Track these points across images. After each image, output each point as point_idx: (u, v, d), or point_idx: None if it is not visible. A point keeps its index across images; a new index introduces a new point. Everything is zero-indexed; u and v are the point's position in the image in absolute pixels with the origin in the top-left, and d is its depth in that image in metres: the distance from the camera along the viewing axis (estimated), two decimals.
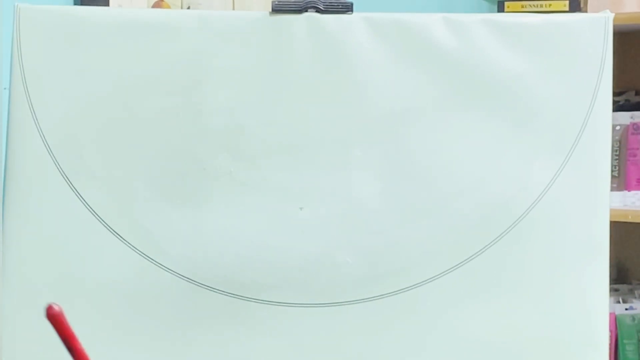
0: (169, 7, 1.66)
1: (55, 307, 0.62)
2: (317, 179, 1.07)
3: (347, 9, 1.07)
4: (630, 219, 1.69)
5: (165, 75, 1.06)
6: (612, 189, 1.72)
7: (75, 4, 1.53)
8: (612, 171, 1.65)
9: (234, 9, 1.80)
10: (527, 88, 1.07)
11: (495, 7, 1.83)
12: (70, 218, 1.05)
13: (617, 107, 1.78)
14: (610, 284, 1.13)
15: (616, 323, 1.74)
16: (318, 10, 1.07)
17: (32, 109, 1.05)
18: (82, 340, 1.08)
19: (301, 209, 1.07)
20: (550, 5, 1.72)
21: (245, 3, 1.81)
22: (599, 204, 1.07)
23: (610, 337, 1.72)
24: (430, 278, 1.07)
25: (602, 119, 1.08)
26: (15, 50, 1.06)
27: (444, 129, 1.07)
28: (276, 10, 1.07)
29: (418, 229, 1.07)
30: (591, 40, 1.07)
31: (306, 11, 1.07)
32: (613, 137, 1.45)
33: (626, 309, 1.77)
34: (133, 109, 1.07)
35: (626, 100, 1.85)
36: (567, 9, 1.71)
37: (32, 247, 1.05)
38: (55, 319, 0.63)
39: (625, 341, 1.75)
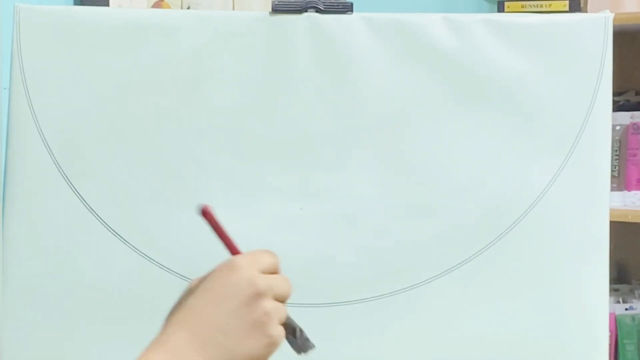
0: (169, 7, 1.66)
1: (207, 207, 0.74)
2: (317, 179, 1.07)
3: (347, 9, 1.07)
4: (630, 219, 1.69)
5: (165, 75, 1.06)
6: (612, 189, 1.72)
7: (75, 4, 1.53)
8: (612, 171, 1.65)
9: (234, 9, 1.80)
10: (527, 88, 1.07)
11: (495, 7, 1.83)
12: (70, 218, 1.05)
13: (617, 107, 1.78)
14: (610, 284, 1.13)
15: (616, 323, 1.74)
16: (318, 11, 1.07)
17: (32, 109, 1.05)
18: (82, 339, 1.08)
19: (301, 209, 1.07)
20: (550, 5, 1.72)
21: (245, 3, 1.81)
22: (598, 204, 1.07)
23: (610, 337, 1.72)
24: (430, 278, 1.07)
25: (602, 119, 1.08)
26: (15, 51, 1.06)
27: (444, 128, 1.07)
28: (276, 10, 1.07)
29: (418, 229, 1.07)
30: (591, 40, 1.07)
31: (306, 11, 1.07)
32: (613, 137, 1.46)
33: (626, 309, 1.77)
34: (133, 108, 1.07)
35: (626, 100, 1.85)
36: (567, 9, 1.71)
37: (32, 246, 1.05)
38: (208, 216, 0.74)
39: (625, 341, 1.75)
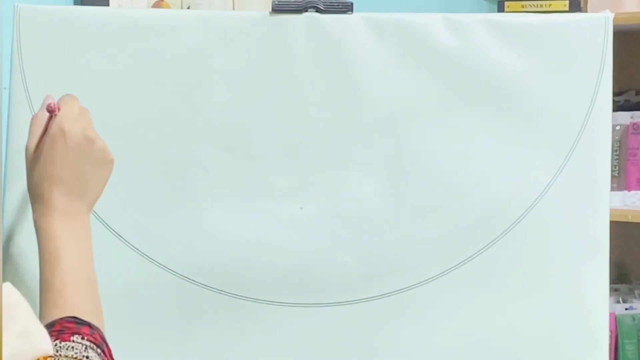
0: (169, 7, 1.66)
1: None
2: (317, 179, 1.06)
3: (347, 9, 1.07)
4: (630, 219, 1.69)
5: (165, 75, 1.06)
6: (612, 189, 1.72)
7: (75, 4, 1.53)
8: (612, 171, 1.66)
9: (234, 9, 1.80)
10: (527, 88, 1.07)
11: (495, 7, 1.83)
12: None
13: (617, 107, 1.78)
14: (610, 284, 1.13)
15: (616, 323, 1.74)
16: (318, 10, 1.07)
17: (32, 109, 1.05)
18: None
19: (301, 208, 1.06)
20: (550, 5, 1.72)
21: (245, 3, 1.81)
22: (599, 204, 1.07)
23: (610, 337, 1.72)
24: (430, 278, 1.07)
25: (602, 119, 1.08)
26: (16, 50, 1.05)
27: (444, 128, 1.07)
28: (276, 10, 1.07)
29: (418, 229, 1.07)
30: (591, 40, 1.07)
31: (306, 11, 1.07)
32: (613, 137, 1.46)
33: (626, 309, 1.77)
34: (133, 108, 1.07)
35: (626, 100, 1.85)
36: (567, 9, 1.71)
37: (32, 246, 1.05)
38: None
39: (625, 341, 1.75)
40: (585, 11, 1.76)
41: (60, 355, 0.81)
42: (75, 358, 0.80)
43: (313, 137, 1.07)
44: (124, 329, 1.05)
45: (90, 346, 0.82)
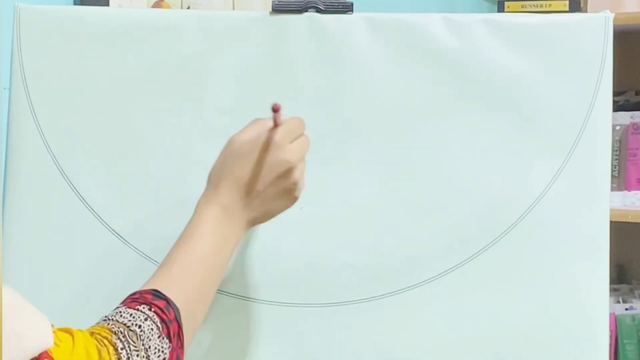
0: (169, 7, 1.66)
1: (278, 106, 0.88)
2: (317, 179, 1.06)
3: (347, 9, 1.07)
4: (630, 219, 1.69)
5: (165, 75, 1.06)
6: (612, 189, 1.72)
7: (75, 4, 1.53)
8: (612, 171, 1.66)
9: (234, 9, 1.80)
10: (527, 88, 1.07)
11: (495, 7, 1.83)
12: (70, 218, 1.05)
13: (617, 107, 1.78)
14: (610, 284, 1.13)
15: (616, 323, 1.74)
16: (318, 10, 1.07)
17: (32, 108, 1.05)
18: None
19: (301, 208, 1.06)
20: (550, 5, 1.72)
21: (245, 3, 1.81)
22: (599, 204, 1.07)
23: (610, 337, 1.72)
24: (430, 278, 1.07)
25: (602, 119, 1.08)
26: (16, 51, 1.06)
27: (444, 128, 1.07)
28: (276, 10, 1.07)
29: (418, 229, 1.07)
30: (591, 40, 1.07)
31: (306, 11, 1.07)
32: (613, 137, 1.46)
33: (626, 309, 1.77)
34: (133, 108, 1.07)
35: (626, 100, 1.85)
36: (567, 9, 1.71)
37: (32, 246, 1.05)
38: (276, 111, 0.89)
39: (625, 341, 1.75)
40: (585, 11, 1.76)
41: (111, 319, 0.81)
42: (124, 324, 0.80)
43: (313, 137, 1.07)
44: None
45: (151, 317, 0.82)
